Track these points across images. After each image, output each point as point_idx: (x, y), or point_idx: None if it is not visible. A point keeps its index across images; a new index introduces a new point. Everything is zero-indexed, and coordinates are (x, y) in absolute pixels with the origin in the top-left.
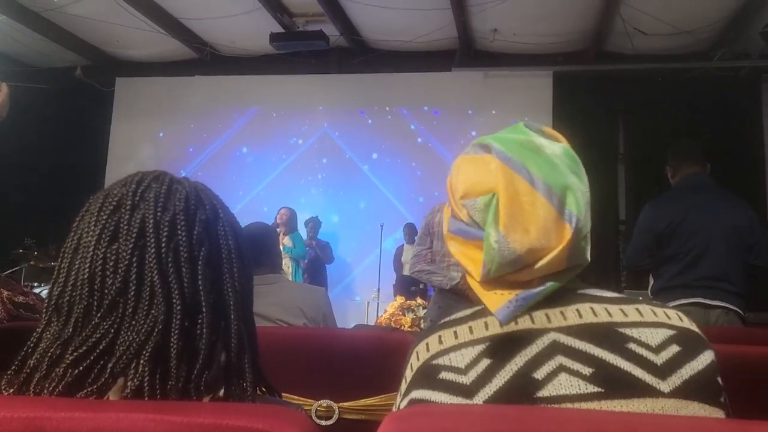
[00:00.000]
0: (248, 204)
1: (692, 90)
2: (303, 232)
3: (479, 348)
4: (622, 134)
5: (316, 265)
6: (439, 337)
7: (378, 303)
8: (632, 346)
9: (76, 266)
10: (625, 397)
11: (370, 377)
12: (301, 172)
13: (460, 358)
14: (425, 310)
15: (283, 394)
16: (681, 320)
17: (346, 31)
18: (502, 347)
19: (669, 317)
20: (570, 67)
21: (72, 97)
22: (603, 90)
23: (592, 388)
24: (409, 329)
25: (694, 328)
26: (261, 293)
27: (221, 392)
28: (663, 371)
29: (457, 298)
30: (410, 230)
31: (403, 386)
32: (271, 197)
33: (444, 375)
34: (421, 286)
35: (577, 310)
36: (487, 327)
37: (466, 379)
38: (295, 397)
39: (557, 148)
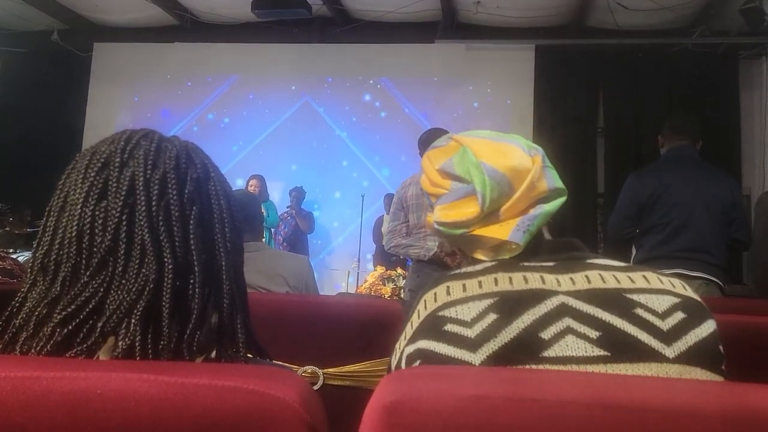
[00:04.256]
0: (226, 174)
1: (672, 66)
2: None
3: (486, 302)
4: (602, 108)
5: (297, 234)
6: (448, 288)
7: (358, 273)
8: (639, 311)
9: (63, 224)
10: (631, 361)
11: (355, 344)
12: (281, 142)
13: (466, 311)
14: (405, 280)
15: None
16: (685, 289)
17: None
18: (510, 304)
19: (674, 285)
20: (552, 41)
21: (49, 62)
22: (584, 64)
23: (598, 351)
24: (389, 299)
25: (697, 297)
26: (244, 261)
27: (213, 353)
28: (668, 337)
29: (435, 267)
30: (390, 201)
31: (409, 331)
32: (250, 167)
33: (449, 327)
34: (401, 257)
35: (586, 276)
36: (497, 283)
37: (471, 333)
38: (280, 362)
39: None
